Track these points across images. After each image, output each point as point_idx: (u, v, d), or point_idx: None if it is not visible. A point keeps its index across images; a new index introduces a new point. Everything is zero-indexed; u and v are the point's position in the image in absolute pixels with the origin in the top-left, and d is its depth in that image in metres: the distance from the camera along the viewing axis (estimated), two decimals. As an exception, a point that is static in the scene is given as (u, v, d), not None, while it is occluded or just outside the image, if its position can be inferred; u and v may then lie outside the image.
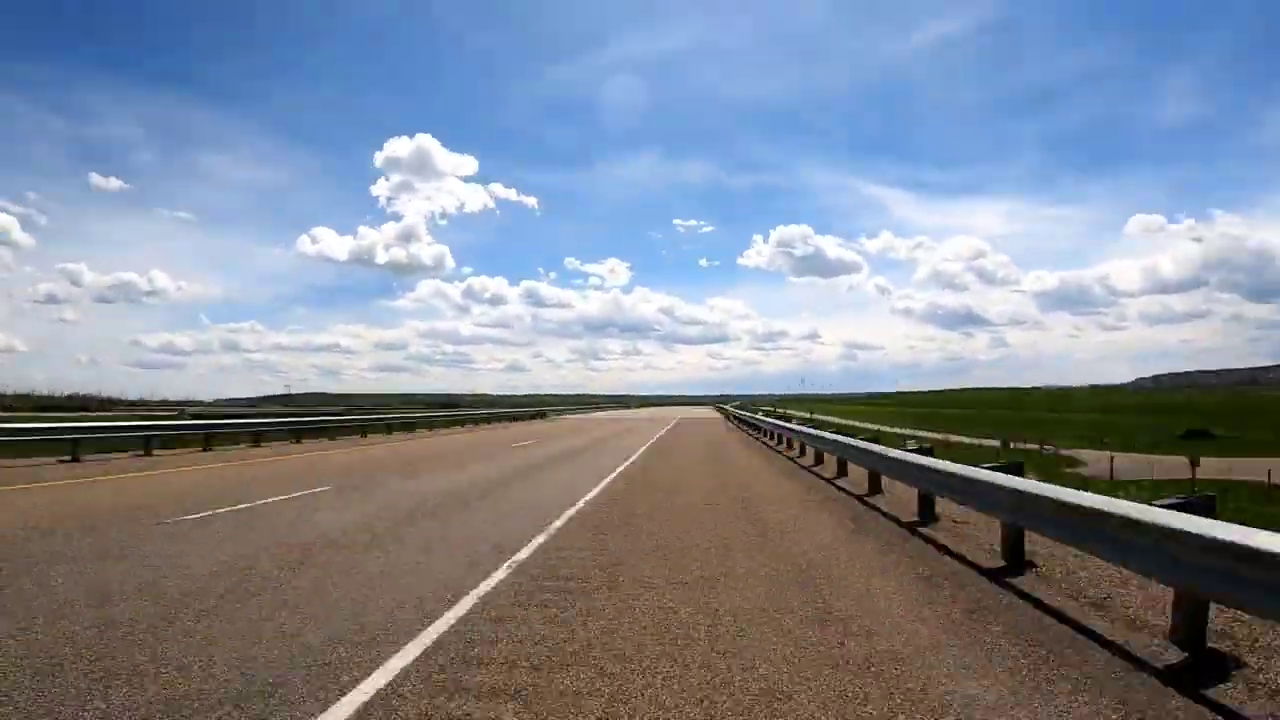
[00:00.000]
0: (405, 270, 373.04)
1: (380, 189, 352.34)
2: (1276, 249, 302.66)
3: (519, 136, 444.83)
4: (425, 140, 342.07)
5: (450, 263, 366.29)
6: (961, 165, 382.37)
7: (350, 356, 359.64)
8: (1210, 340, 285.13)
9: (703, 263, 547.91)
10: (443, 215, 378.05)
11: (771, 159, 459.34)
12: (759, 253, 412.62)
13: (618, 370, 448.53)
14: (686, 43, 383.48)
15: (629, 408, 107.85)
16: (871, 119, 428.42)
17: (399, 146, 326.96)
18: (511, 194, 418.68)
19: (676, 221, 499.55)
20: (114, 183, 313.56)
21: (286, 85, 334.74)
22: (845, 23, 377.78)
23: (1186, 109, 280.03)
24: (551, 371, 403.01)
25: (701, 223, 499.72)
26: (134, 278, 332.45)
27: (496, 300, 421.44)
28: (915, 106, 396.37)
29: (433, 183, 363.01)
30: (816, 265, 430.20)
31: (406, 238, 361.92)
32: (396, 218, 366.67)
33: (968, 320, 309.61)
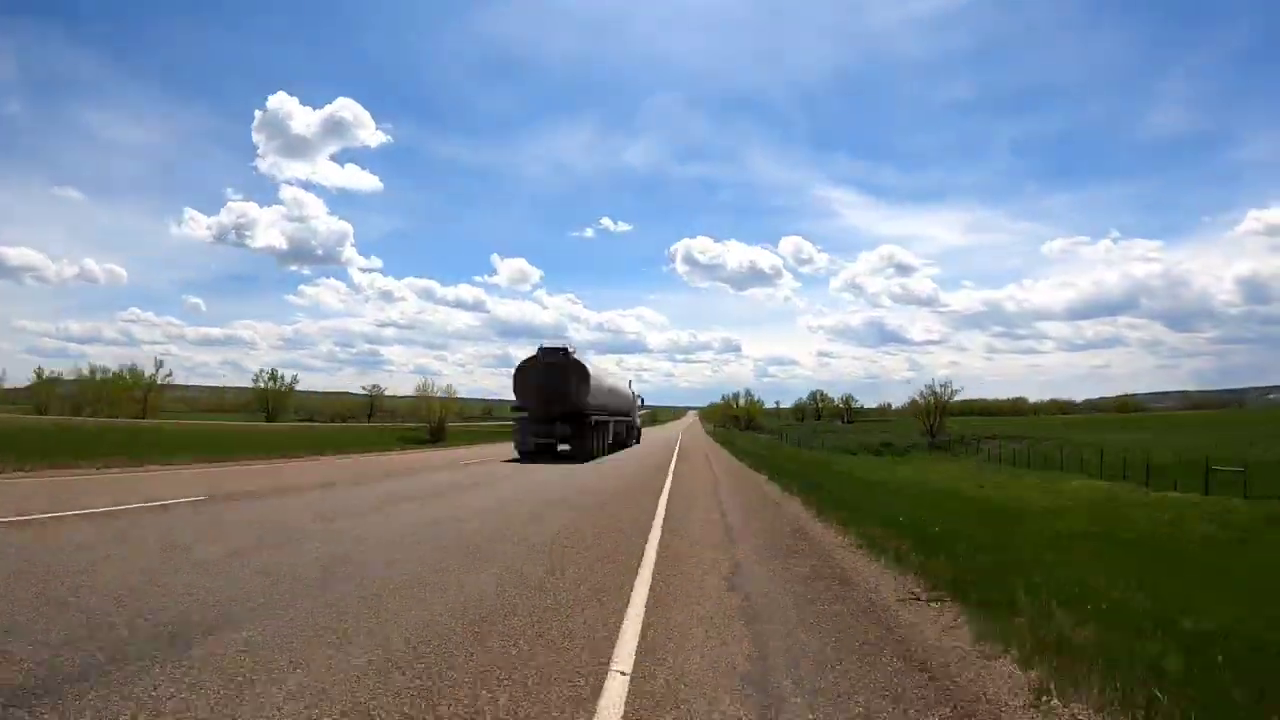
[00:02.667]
0: (304, 258, 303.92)
1: (268, 160, 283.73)
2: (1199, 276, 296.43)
3: (437, 100, 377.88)
4: (337, 104, 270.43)
5: (354, 253, 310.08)
6: (924, 168, 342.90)
7: (252, 352, 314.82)
8: (1126, 366, 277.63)
9: (623, 267, 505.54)
10: (343, 196, 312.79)
11: (721, 144, 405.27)
12: (681, 258, 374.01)
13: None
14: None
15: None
16: (837, 105, 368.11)
17: (296, 113, 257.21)
18: (425, 172, 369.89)
19: (605, 221, 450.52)
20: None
21: (181, 28, 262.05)
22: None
23: (1174, 121, 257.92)
24: (465, 376, 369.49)
25: (625, 224, 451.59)
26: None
27: (403, 297, 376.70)
28: (889, 92, 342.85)
29: (325, 157, 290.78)
30: (738, 275, 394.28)
31: (303, 219, 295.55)
32: (291, 198, 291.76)
33: (888, 338, 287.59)
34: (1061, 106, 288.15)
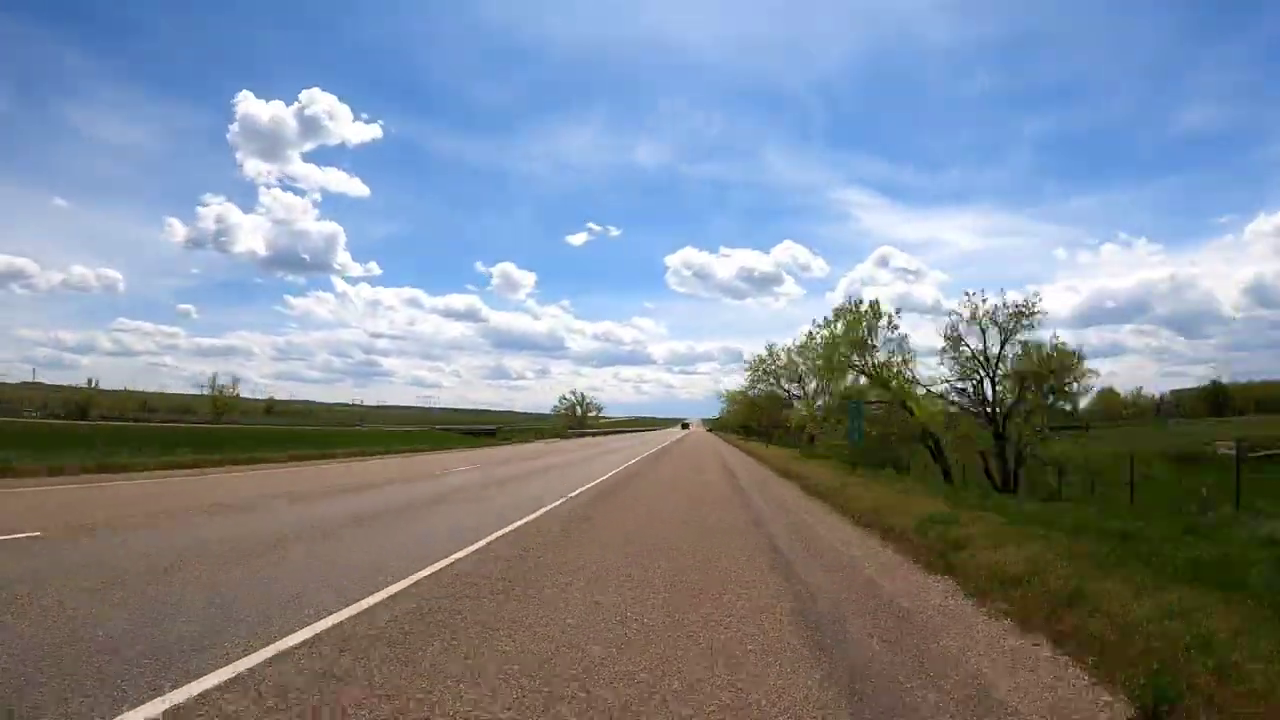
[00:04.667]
0: (293, 265, 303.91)
1: (250, 165, 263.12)
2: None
3: (434, 92, 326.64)
4: (317, 99, 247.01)
5: (348, 259, 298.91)
6: (945, 167, 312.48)
7: (250, 361, 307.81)
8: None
9: (619, 273, 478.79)
10: (332, 198, 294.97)
11: (732, 142, 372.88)
12: (681, 265, 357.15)
13: (534, 390, 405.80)
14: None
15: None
16: (859, 98, 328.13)
17: (275, 110, 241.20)
18: (418, 172, 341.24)
19: (597, 226, 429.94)
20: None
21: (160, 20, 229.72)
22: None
23: (1208, 115, 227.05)
24: (465, 388, 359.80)
25: (621, 229, 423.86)
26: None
27: (399, 306, 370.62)
28: (911, 83, 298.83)
29: (306, 155, 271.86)
30: (740, 282, 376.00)
31: (290, 224, 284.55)
32: (276, 202, 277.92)
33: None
34: (1088, 102, 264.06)
